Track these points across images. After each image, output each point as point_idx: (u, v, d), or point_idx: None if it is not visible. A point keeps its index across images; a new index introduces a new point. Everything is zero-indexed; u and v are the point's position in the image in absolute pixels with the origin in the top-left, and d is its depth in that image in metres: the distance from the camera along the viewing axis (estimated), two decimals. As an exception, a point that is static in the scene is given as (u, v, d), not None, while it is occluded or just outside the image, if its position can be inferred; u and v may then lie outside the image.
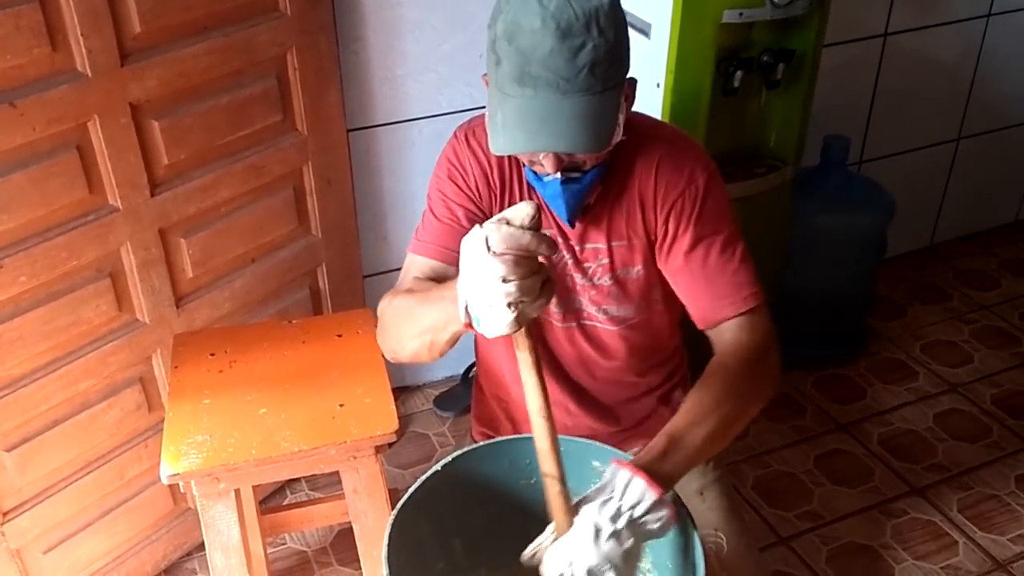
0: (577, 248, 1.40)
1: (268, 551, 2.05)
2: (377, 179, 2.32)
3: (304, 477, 2.37)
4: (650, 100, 2.13)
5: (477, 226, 1.00)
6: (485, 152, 1.37)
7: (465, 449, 1.27)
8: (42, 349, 1.75)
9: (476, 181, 1.38)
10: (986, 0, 2.89)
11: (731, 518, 1.57)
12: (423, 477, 1.21)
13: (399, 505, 1.17)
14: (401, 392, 2.66)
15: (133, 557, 2.08)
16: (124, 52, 1.69)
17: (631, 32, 2.16)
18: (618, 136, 1.24)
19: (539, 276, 1.00)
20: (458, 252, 1.18)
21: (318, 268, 2.24)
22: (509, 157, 1.38)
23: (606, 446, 1.23)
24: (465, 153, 1.39)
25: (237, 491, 1.59)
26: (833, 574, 2.15)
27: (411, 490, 1.19)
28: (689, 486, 1.57)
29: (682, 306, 1.43)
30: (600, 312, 1.45)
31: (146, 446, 1.99)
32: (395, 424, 1.55)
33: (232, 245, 2.01)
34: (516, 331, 1.01)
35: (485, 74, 1.26)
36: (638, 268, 1.41)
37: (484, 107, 1.36)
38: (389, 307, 1.32)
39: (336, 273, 2.27)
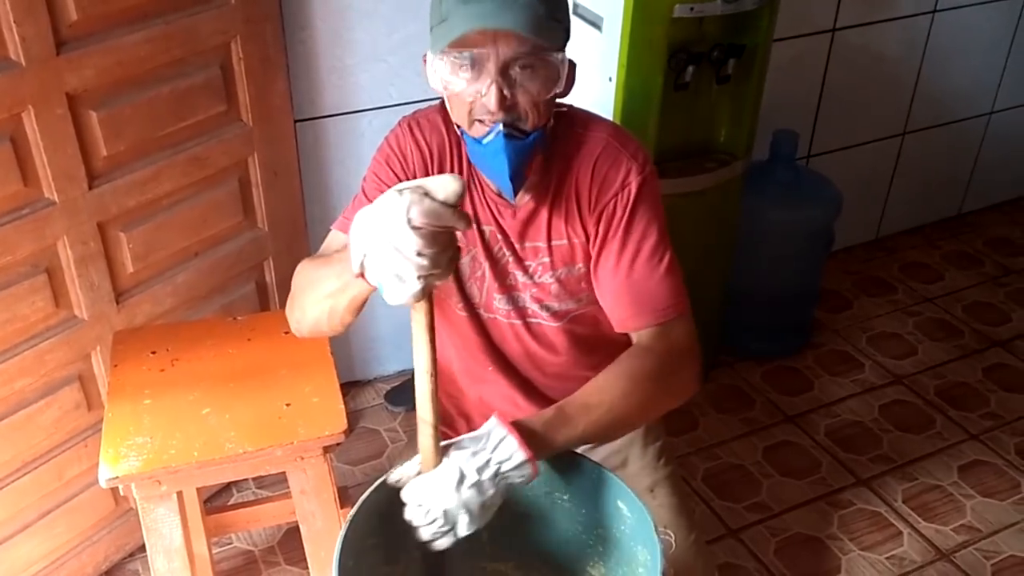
0: (518, 246, 1.39)
1: (213, 551, 2.01)
2: (326, 171, 2.28)
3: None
4: (602, 94, 2.12)
5: (395, 191, 0.98)
6: (428, 144, 1.36)
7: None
8: (-25, 347, 1.69)
9: (415, 171, 1.37)
10: (931, -4, 2.93)
11: (680, 514, 1.58)
12: (370, 489, 1.18)
13: (348, 520, 1.14)
14: (351, 387, 2.63)
15: (73, 559, 2.03)
16: (60, 40, 1.63)
17: (583, 25, 2.17)
18: (560, 85, 1.24)
19: (450, 250, 1.00)
20: None
21: (264, 262, 2.20)
22: (453, 150, 1.36)
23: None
24: (408, 142, 1.37)
25: (180, 493, 1.55)
26: (781, 566, 2.17)
27: (359, 503, 1.16)
28: (639, 483, 1.57)
29: None
30: (543, 309, 1.43)
31: (85, 446, 1.94)
32: (344, 424, 1.52)
33: (174, 239, 1.96)
34: (416, 301, 1.02)
35: (424, 55, 1.25)
36: (579, 266, 1.39)
37: (434, 98, 1.35)
38: (296, 276, 1.30)
39: (284, 267, 2.23)
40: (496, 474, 1.09)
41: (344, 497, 1.84)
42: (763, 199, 2.56)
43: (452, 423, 1.62)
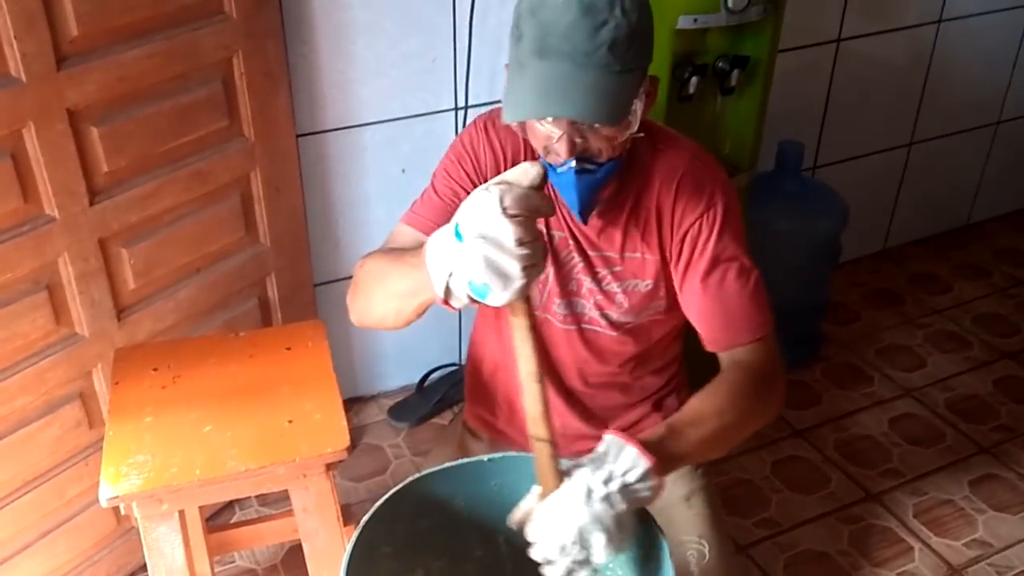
0: (591, 253, 1.41)
1: (216, 570, 1.99)
2: (328, 186, 2.27)
3: (254, 492, 2.31)
4: (605, 106, 2.10)
5: (481, 189, 0.98)
6: (502, 144, 1.38)
7: (425, 472, 1.22)
8: (-25, 365, 1.68)
9: (487, 171, 1.38)
10: (936, 6, 2.91)
11: (714, 526, 1.58)
12: (379, 502, 1.16)
13: (357, 533, 1.12)
14: (354, 403, 2.61)
15: (74, 579, 2.01)
16: (60, 56, 1.62)
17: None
18: (634, 125, 1.24)
19: (541, 240, 1.00)
20: None
21: (267, 277, 2.18)
22: (527, 151, 1.37)
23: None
24: (481, 141, 1.39)
25: (181, 511, 1.53)
26: (791, 582, 2.15)
27: (368, 515, 1.14)
28: (676, 492, 1.57)
29: (686, 319, 1.43)
30: (602, 317, 1.45)
31: (87, 464, 1.92)
32: (346, 441, 1.50)
33: (176, 255, 1.95)
34: (523, 296, 1.01)
35: (507, 64, 1.25)
36: (647, 282, 1.42)
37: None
38: (362, 268, 1.31)
39: (286, 282, 2.21)
40: (623, 486, 1.06)
41: (347, 514, 1.82)
42: (769, 211, 2.54)
43: (494, 408, 1.64)
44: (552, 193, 1.34)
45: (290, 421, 1.54)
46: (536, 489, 1.10)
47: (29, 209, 1.67)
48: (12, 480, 1.81)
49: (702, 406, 1.25)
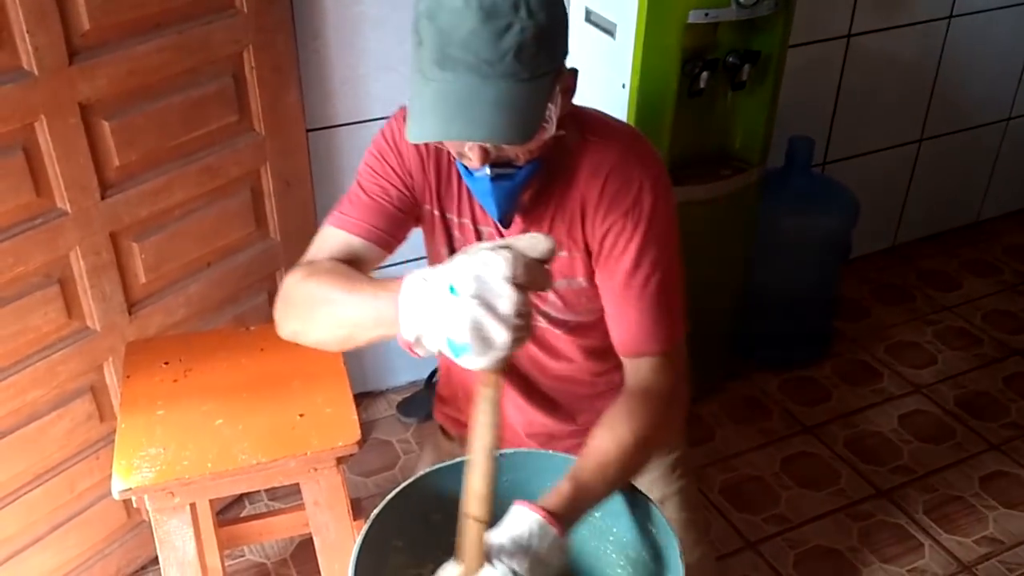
0: None
1: (226, 564, 1.99)
2: (338, 180, 2.27)
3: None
4: (615, 101, 2.10)
5: (488, 249, 0.94)
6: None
7: (436, 467, 1.22)
8: (-13, 358, 1.69)
9: (410, 166, 1.30)
10: (947, 2, 2.90)
11: (688, 530, 1.54)
12: (396, 490, 1.17)
13: (367, 525, 1.12)
14: (363, 398, 2.61)
15: (85, 573, 2.01)
16: (72, 50, 1.63)
17: (596, 32, 2.15)
18: (549, 130, 1.15)
19: (532, 311, 0.96)
20: (384, 231, 1.19)
21: (277, 272, 2.19)
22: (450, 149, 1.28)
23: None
24: (402, 136, 1.25)
25: (192, 505, 1.53)
26: (801, 578, 2.14)
27: (379, 507, 1.14)
28: (651, 495, 1.54)
29: None
30: (541, 316, 1.37)
31: (97, 458, 1.92)
32: (357, 435, 1.50)
33: (187, 249, 1.95)
34: (501, 367, 0.97)
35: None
36: (580, 280, 1.33)
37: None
38: (301, 285, 1.21)
39: (296, 277, 2.21)
40: (535, 559, 1.04)
41: (357, 509, 1.82)
42: (779, 206, 2.54)
43: (456, 402, 1.58)
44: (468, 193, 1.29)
45: (301, 415, 1.54)
46: (455, 569, 1.06)
47: (41, 203, 1.67)
48: (24, 473, 1.82)
49: (605, 445, 1.19)
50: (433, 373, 2.61)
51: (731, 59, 2.16)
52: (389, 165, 1.31)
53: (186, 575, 1.56)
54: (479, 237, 1.33)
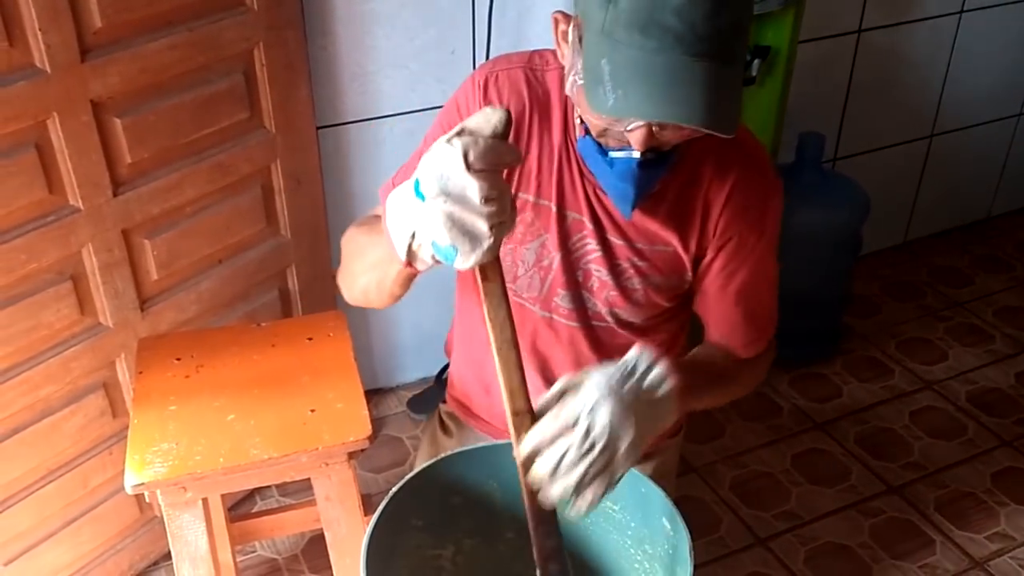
0: (615, 240, 1.24)
1: (238, 560, 2.00)
2: (348, 178, 2.27)
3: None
4: (625, 97, 2.10)
5: (443, 142, 0.88)
6: (502, 105, 1.19)
7: (457, 451, 1.23)
8: (1, 355, 1.69)
9: None
10: (958, -3, 2.90)
11: None
12: (411, 474, 1.17)
13: (384, 502, 1.13)
14: (374, 394, 2.62)
15: (98, 568, 2.02)
16: (85, 47, 1.63)
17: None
18: None
19: (508, 191, 0.91)
20: None
21: (287, 269, 2.19)
22: (530, 120, 1.21)
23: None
24: (477, 102, 1.21)
25: (205, 500, 1.54)
26: (811, 574, 2.14)
27: (398, 486, 1.15)
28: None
29: (688, 319, 1.39)
30: (611, 315, 1.32)
31: (110, 453, 1.93)
32: (368, 430, 1.51)
33: (198, 246, 1.96)
34: (493, 257, 0.92)
35: (561, 12, 1.09)
36: (665, 278, 1.29)
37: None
38: (344, 241, 1.22)
39: (306, 274, 2.22)
40: (645, 387, 0.99)
41: (368, 505, 1.82)
42: (789, 203, 2.51)
43: (467, 388, 1.54)
44: (575, 159, 1.21)
45: (312, 410, 1.54)
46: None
47: (54, 200, 1.68)
48: (37, 469, 1.83)
49: (709, 352, 1.28)
50: (443, 369, 2.61)
51: (741, 55, 2.16)
52: None
53: (198, 570, 1.57)
54: (562, 222, 1.25)
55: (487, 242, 0.89)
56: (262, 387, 1.60)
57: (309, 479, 1.57)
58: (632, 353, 1.02)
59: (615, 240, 1.26)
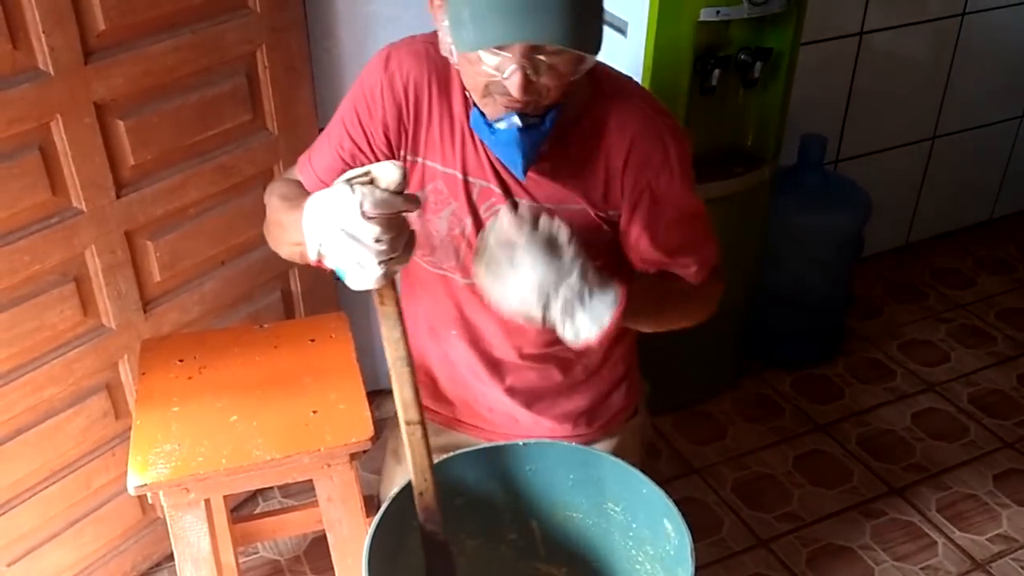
0: (521, 202, 1.27)
1: (240, 561, 2.00)
2: (350, 179, 2.28)
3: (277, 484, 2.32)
4: (627, 99, 2.10)
5: (345, 185, 1.01)
6: (404, 83, 1.24)
7: (460, 452, 1.24)
8: (4, 356, 1.70)
9: (385, 116, 1.25)
10: (960, -1, 2.90)
11: None
12: (400, 485, 1.18)
13: (387, 503, 1.14)
14: (376, 396, 2.60)
15: (101, 568, 2.03)
16: (88, 50, 1.64)
17: (608, 30, 2.15)
18: (591, 61, 1.12)
19: (405, 233, 1.04)
20: None
21: (290, 270, 2.20)
22: (433, 89, 1.24)
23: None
24: (379, 79, 1.24)
25: (207, 501, 1.54)
26: (813, 576, 2.14)
27: (400, 487, 1.16)
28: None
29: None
30: None
31: (113, 455, 1.94)
32: (370, 431, 1.51)
33: (201, 247, 1.96)
34: (382, 286, 1.06)
35: None
36: (579, 237, 1.28)
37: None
38: (267, 199, 1.31)
39: (308, 275, 2.23)
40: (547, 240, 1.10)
41: (370, 506, 1.82)
42: (791, 204, 2.54)
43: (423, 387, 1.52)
44: (477, 142, 1.25)
45: (314, 411, 1.55)
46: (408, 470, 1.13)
47: (57, 202, 1.69)
48: (40, 470, 1.83)
49: (656, 279, 1.31)
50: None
51: (743, 57, 2.16)
52: (358, 117, 1.28)
53: (201, 571, 1.57)
54: (468, 191, 1.28)
55: (375, 274, 1.03)
56: (264, 388, 1.60)
57: (311, 480, 1.58)
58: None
59: (524, 202, 1.28)
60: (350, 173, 1.03)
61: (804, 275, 2.67)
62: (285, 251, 1.25)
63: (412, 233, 1.06)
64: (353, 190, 1.01)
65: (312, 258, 1.08)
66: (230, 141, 1.94)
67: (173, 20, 1.76)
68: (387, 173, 1.03)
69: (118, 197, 1.77)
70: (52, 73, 1.60)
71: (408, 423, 1.12)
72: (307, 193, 1.21)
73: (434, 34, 1.22)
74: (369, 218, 1.00)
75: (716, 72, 2.13)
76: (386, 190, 1.01)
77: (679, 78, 2.06)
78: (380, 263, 1.02)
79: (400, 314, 1.09)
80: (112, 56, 1.68)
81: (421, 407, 1.11)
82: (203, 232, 1.95)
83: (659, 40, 2.01)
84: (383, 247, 1.02)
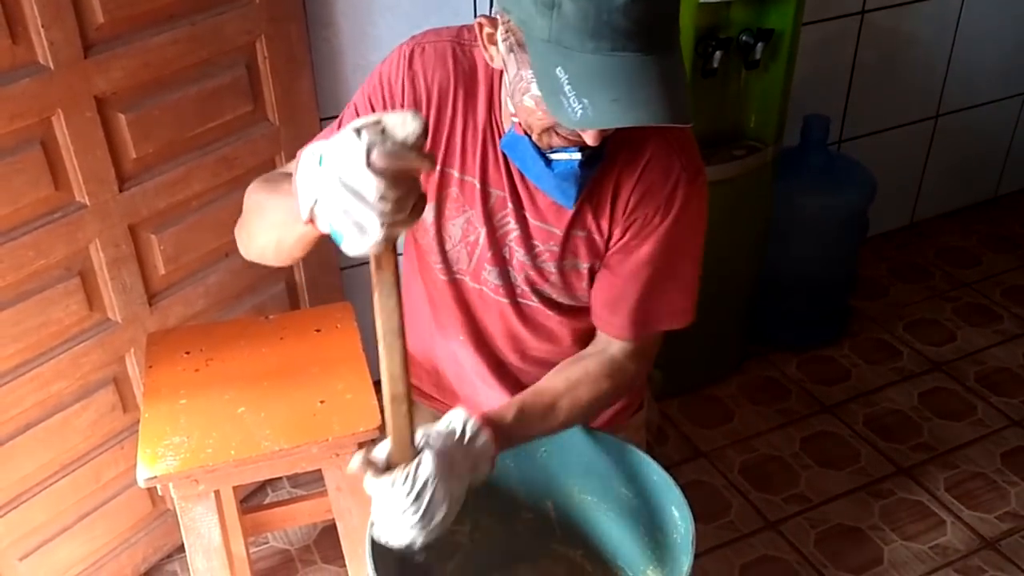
0: (533, 221, 1.23)
1: (250, 551, 2.01)
2: (352, 169, 2.27)
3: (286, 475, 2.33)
4: (629, 83, 2.10)
5: (351, 131, 0.86)
6: (427, 83, 1.18)
7: None
8: (11, 351, 1.70)
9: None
10: (962, -24, 2.88)
11: None
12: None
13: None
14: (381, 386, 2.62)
15: (112, 561, 2.04)
16: (87, 43, 1.64)
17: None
18: None
19: (414, 193, 0.89)
20: None
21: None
22: (455, 95, 1.18)
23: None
24: (401, 76, 1.18)
25: (217, 492, 1.55)
26: (822, 557, 2.14)
27: None
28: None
29: None
30: (535, 294, 1.29)
31: (122, 448, 1.94)
32: (378, 420, 1.51)
33: (205, 240, 1.96)
34: (382, 250, 0.91)
35: (485, 16, 1.07)
36: (585, 264, 1.26)
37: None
38: (247, 195, 1.20)
39: (313, 266, 2.23)
40: (465, 454, 1.06)
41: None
42: (795, 185, 2.53)
43: (414, 369, 1.49)
44: (498, 152, 1.19)
45: (322, 401, 1.55)
46: (386, 444, 1.05)
47: (60, 196, 1.69)
48: (50, 464, 1.84)
49: (559, 391, 1.20)
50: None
51: (744, 38, 2.15)
52: (375, 111, 1.21)
53: (212, 562, 1.58)
54: (486, 199, 1.23)
55: (375, 237, 0.88)
56: (271, 379, 1.61)
57: (320, 470, 1.58)
58: (454, 415, 1.09)
59: (534, 221, 1.24)
60: (359, 121, 0.87)
61: (809, 257, 2.67)
62: (259, 242, 1.15)
63: (423, 196, 0.91)
64: (360, 135, 0.85)
65: (304, 217, 0.93)
66: (231, 132, 1.94)
67: (172, 12, 1.75)
68: (402, 122, 0.87)
69: (121, 191, 1.77)
70: (52, 67, 1.59)
71: (394, 397, 1.00)
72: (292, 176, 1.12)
73: (459, 31, 1.19)
74: (376, 170, 0.85)
75: (717, 54, 2.12)
76: (398, 140, 0.86)
77: (680, 61, 2.05)
78: (383, 225, 0.87)
79: (398, 281, 0.95)
80: (112, 49, 1.67)
81: (409, 381, 1.00)
82: (206, 224, 1.95)
83: (660, 23, 2.00)
84: (387, 206, 0.86)
